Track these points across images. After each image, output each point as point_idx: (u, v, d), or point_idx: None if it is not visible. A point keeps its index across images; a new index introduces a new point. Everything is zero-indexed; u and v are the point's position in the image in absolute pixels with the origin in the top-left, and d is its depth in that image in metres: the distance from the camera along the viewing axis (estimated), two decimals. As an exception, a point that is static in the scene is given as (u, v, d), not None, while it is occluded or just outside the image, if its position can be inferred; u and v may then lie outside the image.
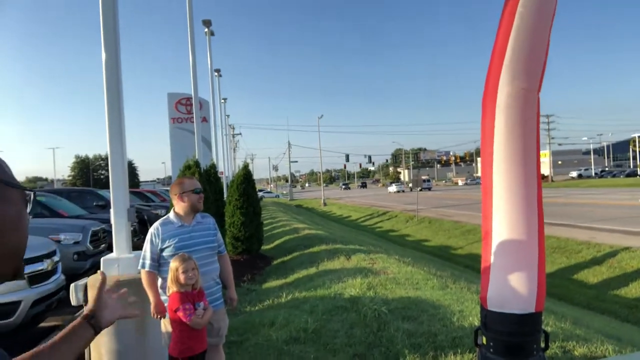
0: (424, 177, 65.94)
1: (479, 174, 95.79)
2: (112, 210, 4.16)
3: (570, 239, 16.32)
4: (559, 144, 75.89)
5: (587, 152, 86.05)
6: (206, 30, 17.36)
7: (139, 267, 3.29)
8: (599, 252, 14.43)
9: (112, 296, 1.23)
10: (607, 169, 75.74)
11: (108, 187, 4.43)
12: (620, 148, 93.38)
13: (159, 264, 3.24)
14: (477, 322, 4.71)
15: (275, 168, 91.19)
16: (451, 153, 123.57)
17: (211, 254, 3.32)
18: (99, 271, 1.33)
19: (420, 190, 35.64)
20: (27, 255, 5.08)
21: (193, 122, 13.34)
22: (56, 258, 5.64)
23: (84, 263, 7.23)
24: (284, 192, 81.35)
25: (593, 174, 67.73)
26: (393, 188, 69.86)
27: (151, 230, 3.28)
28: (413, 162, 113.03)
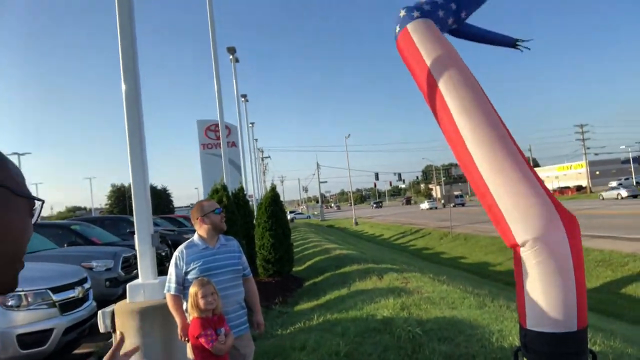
0: (456, 193, 64.69)
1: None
2: (136, 237, 4.15)
3: (615, 251, 15.54)
4: (595, 154, 73.35)
5: (627, 161, 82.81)
6: (231, 57, 17.74)
7: (165, 291, 3.26)
8: (648, 265, 13.67)
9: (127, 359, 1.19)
10: (648, 178, 72.69)
11: None
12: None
13: (183, 287, 3.19)
14: (517, 342, 4.43)
15: (305, 189, 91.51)
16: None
17: (235, 277, 3.25)
18: (118, 332, 1.29)
19: (454, 206, 34.93)
20: (58, 283, 5.16)
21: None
22: (87, 285, 5.68)
23: (116, 289, 7.28)
24: (315, 212, 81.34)
25: (634, 183, 64.94)
26: (425, 205, 68.85)
27: (176, 253, 3.27)
28: (444, 178, 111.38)
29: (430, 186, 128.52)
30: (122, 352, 1.20)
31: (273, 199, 11.41)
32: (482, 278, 16.76)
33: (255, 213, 14.35)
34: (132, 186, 4.24)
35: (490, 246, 22.82)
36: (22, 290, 4.60)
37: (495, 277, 17.67)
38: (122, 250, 8.08)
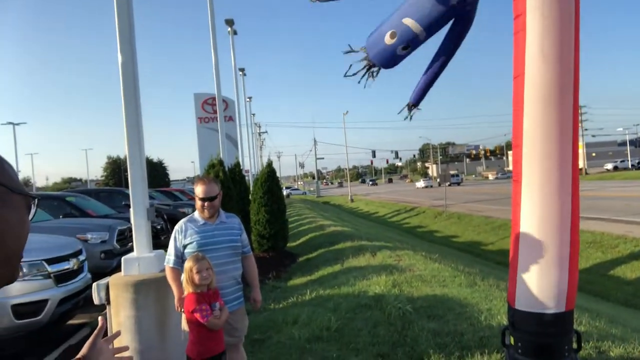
0: (452, 172, 64.83)
1: (511, 168, 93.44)
2: (131, 210, 4.17)
3: (606, 233, 15.72)
4: (593, 136, 73.15)
5: (623, 144, 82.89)
6: (229, 29, 17.47)
7: (165, 263, 3.32)
8: (637, 247, 13.85)
9: (108, 345, 1.17)
10: (645, 160, 72.94)
11: None
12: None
13: (182, 260, 3.23)
14: (504, 321, 4.53)
15: (302, 165, 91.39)
16: (481, 147, 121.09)
17: (233, 254, 3.28)
18: (99, 318, 1.25)
19: (449, 185, 35.05)
20: (53, 255, 5.20)
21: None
22: (82, 257, 5.72)
23: (111, 262, 7.33)
24: (311, 189, 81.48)
25: (630, 166, 65.22)
26: (421, 183, 69.02)
27: (176, 227, 3.32)
28: (441, 157, 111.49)
29: (427, 165, 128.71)
30: (114, 327, 1.20)
31: (269, 175, 11.42)
32: (474, 257, 16.96)
33: (251, 188, 14.39)
34: (127, 159, 4.23)
35: (483, 225, 23.02)
36: (17, 261, 4.62)
37: (487, 256, 17.89)
38: (117, 223, 8.11)
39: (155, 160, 64.95)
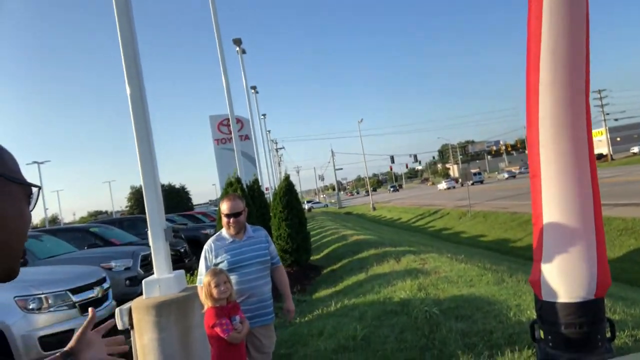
0: (473, 170, 63.90)
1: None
2: (149, 233, 4.20)
3: (638, 218, 15.21)
4: (615, 119, 71.19)
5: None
6: (237, 49, 17.72)
7: (197, 284, 3.35)
8: (673, 231, 13.36)
9: (99, 336, 1.11)
10: (673, 141, 70.68)
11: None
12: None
13: None
14: (534, 316, 4.38)
15: (322, 178, 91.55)
16: (501, 142, 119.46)
17: (263, 268, 3.31)
18: (89, 309, 1.19)
19: (472, 184, 34.52)
20: (77, 284, 5.27)
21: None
22: (106, 285, 5.79)
23: (136, 288, 7.39)
24: (333, 200, 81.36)
25: (656, 148, 63.23)
26: (443, 185, 68.26)
27: (205, 246, 3.36)
28: (461, 156, 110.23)
29: (447, 166, 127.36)
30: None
31: (287, 189, 11.43)
32: (503, 255, 16.62)
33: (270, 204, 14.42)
34: (142, 182, 4.26)
35: (510, 222, 22.56)
36: (42, 293, 4.71)
37: (516, 252, 17.49)
38: (140, 249, 8.21)
39: (177, 186, 65.96)
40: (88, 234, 9.85)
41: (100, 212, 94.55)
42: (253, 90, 27.69)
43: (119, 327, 4.08)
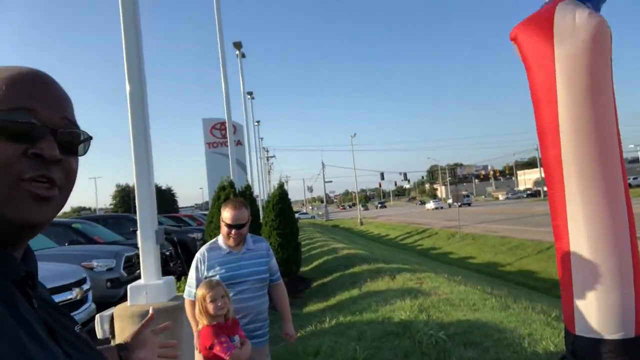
0: (463, 192, 64.14)
1: (521, 188, 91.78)
2: (139, 233, 3.81)
3: None
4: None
5: (635, 160, 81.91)
6: (237, 52, 17.41)
7: (184, 295, 2.92)
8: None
9: (154, 338, 1.11)
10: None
11: None
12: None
13: None
14: (551, 347, 4.07)
15: (310, 189, 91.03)
16: (489, 167, 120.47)
17: (261, 286, 2.89)
18: (150, 308, 1.22)
19: (460, 205, 34.46)
20: (55, 284, 4.82)
21: (228, 146, 13.23)
22: (86, 286, 5.35)
23: (118, 290, 6.94)
24: (320, 212, 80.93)
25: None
26: (431, 205, 68.33)
27: (197, 255, 2.93)
28: (450, 178, 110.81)
29: (435, 186, 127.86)
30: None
31: (281, 197, 11.06)
32: (493, 278, 16.33)
33: (261, 212, 14.02)
34: (135, 179, 3.90)
35: (500, 246, 22.39)
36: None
37: (506, 277, 17.26)
38: (125, 249, 7.75)
39: (164, 187, 64.99)
40: (70, 230, 9.34)
41: (84, 209, 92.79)
42: (249, 96, 27.35)
43: (99, 335, 3.67)
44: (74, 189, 0.72)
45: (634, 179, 67.37)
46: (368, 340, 4.94)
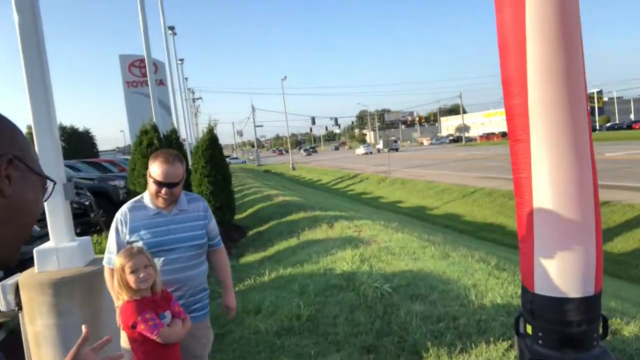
0: (392, 138, 65.65)
1: (443, 134, 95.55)
2: (44, 187, 3.18)
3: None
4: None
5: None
6: (158, -20, 15.79)
7: (104, 263, 2.40)
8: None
9: (94, 354, 1.07)
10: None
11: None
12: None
13: None
14: (498, 300, 4.06)
15: (240, 133, 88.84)
16: (415, 113, 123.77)
17: (198, 254, 2.42)
18: (83, 326, 1.11)
19: (389, 151, 35.15)
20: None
21: (148, 85, 12.13)
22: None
23: (30, 247, 6.13)
24: (251, 157, 79.74)
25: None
26: (361, 150, 69.43)
27: (117, 215, 2.38)
28: (378, 124, 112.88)
29: (364, 131, 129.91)
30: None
31: (211, 142, 10.40)
32: (422, 221, 16.93)
33: (190, 158, 13.25)
34: (33, 127, 3.20)
35: (427, 190, 23.21)
36: None
37: (433, 220, 17.97)
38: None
39: (81, 129, 60.36)
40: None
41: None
42: (171, 32, 25.24)
43: (2, 307, 3.10)
44: None
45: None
46: (311, 295, 4.72)
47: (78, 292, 2.97)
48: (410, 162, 38.78)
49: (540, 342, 2.85)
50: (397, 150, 62.90)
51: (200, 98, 56.38)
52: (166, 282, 2.29)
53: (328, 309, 4.35)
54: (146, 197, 2.40)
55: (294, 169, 49.55)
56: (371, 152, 65.51)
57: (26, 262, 5.15)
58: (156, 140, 8.14)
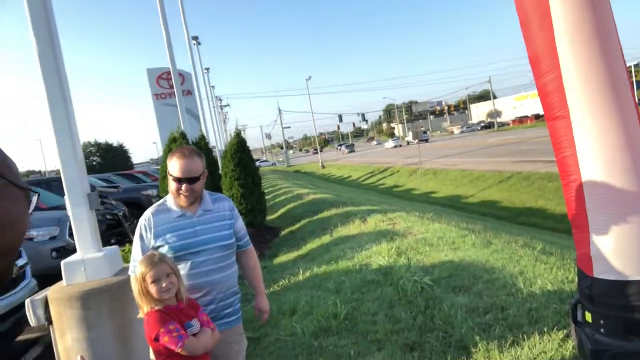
0: (421, 129, 64.60)
1: (474, 121, 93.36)
2: (66, 199, 3.12)
3: None
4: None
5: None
6: (178, -8, 15.93)
7: (129, 272, 2.28)
8: None
9: None
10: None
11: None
12: None
13: None
14: (549, 287, 3.77)
15: (268, 136, 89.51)
16: (443, 103, 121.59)
17: (226, 255, 2.26)
18: (79, 357, 1.11)
19: (419, 142, 34.58)
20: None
21: (176, 96, 12.26)
22: (22, 262, 4.64)
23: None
24: (280, 159, 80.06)
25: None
26: (390, 144, 68.65)
27: (141, 220, 2.25)
28: (406, 116, 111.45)
29: (392, 125, 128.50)
30: None
31: (239, 146, 10.35)
32: (457, 210, 16.47)
33: (220, 163, 13.29)
34: (54, 137, 3.14)
35: (461, 179, 22.63)
36: None
37: (469, 209, 17.47)
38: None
39: (115, 144, 62.13)
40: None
41: (33, 172, 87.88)
42: (195, 42, 25.58)
43: (32, 323, 3.04)
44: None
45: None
46: (348, 292, 4.54)
47: (107, 303, 2.88)
48: (441, 152, 38.01)
49: (602, 330, 2.59)
50: (427, 141, 61.88)
51: (228, 105, 57.01)
52: (195, 286, 2.16)
53: (366, 306, 4.16)
54: (169, 200, 2.28)
55: (323, 167, 49.45)
56: (400, 145, 64.66)
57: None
58: (184, 147, 8.13)
